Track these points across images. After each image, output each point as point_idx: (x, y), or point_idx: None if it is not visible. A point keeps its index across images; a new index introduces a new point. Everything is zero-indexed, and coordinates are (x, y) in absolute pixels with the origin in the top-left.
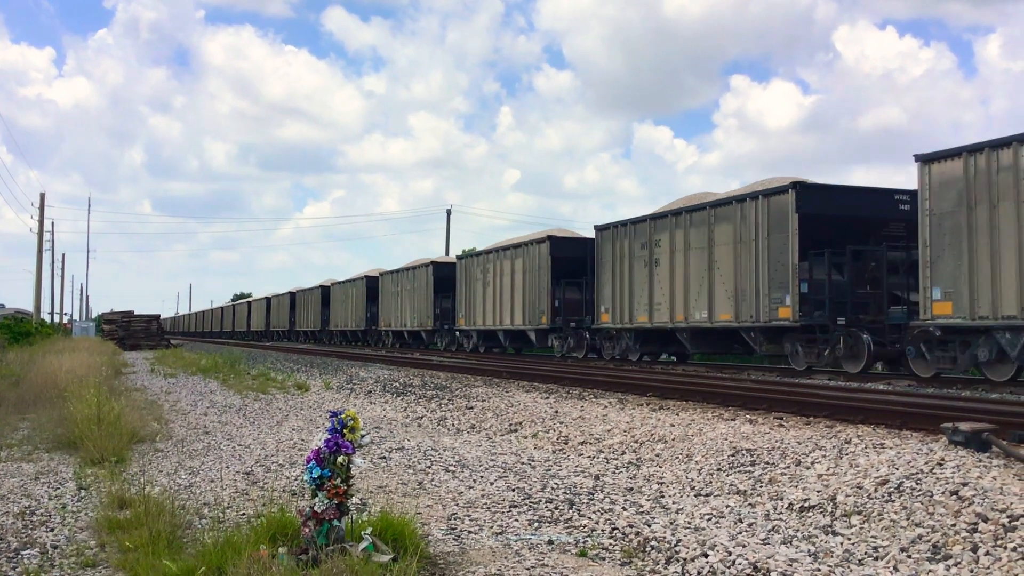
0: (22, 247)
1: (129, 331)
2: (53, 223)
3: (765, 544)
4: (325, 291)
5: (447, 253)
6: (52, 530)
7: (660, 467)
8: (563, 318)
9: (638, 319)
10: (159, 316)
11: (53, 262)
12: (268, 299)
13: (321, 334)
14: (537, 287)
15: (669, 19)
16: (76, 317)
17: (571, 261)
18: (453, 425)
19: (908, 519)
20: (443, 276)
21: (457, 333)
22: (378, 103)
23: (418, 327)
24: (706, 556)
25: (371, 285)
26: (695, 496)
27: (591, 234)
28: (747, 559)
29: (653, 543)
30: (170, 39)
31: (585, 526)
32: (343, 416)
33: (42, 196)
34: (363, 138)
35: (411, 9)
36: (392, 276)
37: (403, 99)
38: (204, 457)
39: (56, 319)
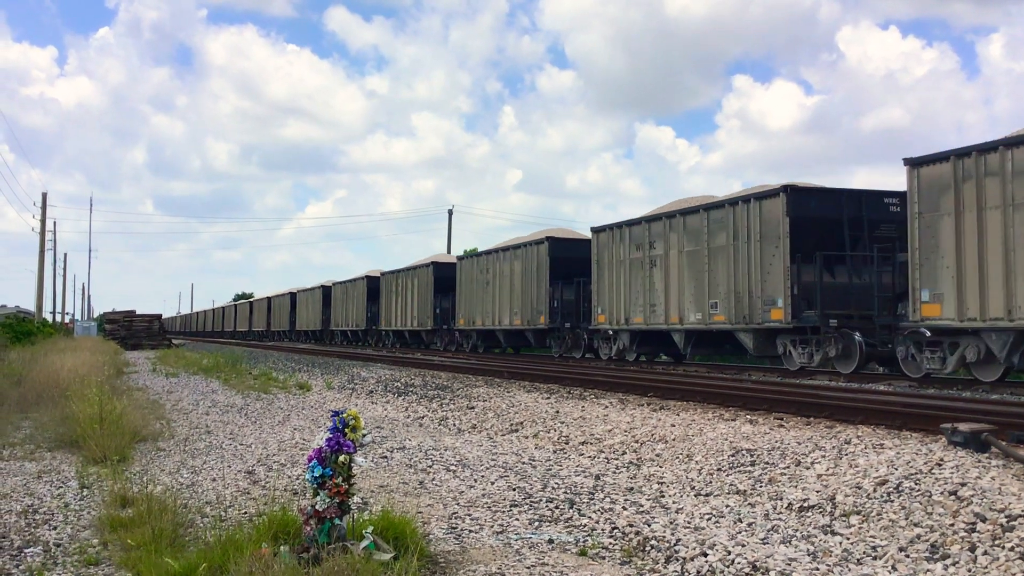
0: (24, 247)
1: (131, 331)
2: (55, 223)
3: (764, 544)
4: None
5: (448, 253)
6: (55, 528)
7: (660, 467)
8: (561, 319)
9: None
10: (161, 316)
11: (55, 261)
12: (269, 299)
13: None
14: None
15: (671, 19)
16: (78, 316)
17: (569, 262)
18: (454, 425)
19: (907, 519)
20: (443, 276)
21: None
22: (380, 103)
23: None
24: (705, 555)
25: (372, 285)
26: (695, 496)
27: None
28: (746, 558)
29: (653, 542)
30: (172, 38)
31: (585, 525)
32: (345, 415)
33: (44, 196)
34: (365, 138)
35: (413, 9)
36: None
37: (405, 99)
38: (206, 456)
39: (58, 319)
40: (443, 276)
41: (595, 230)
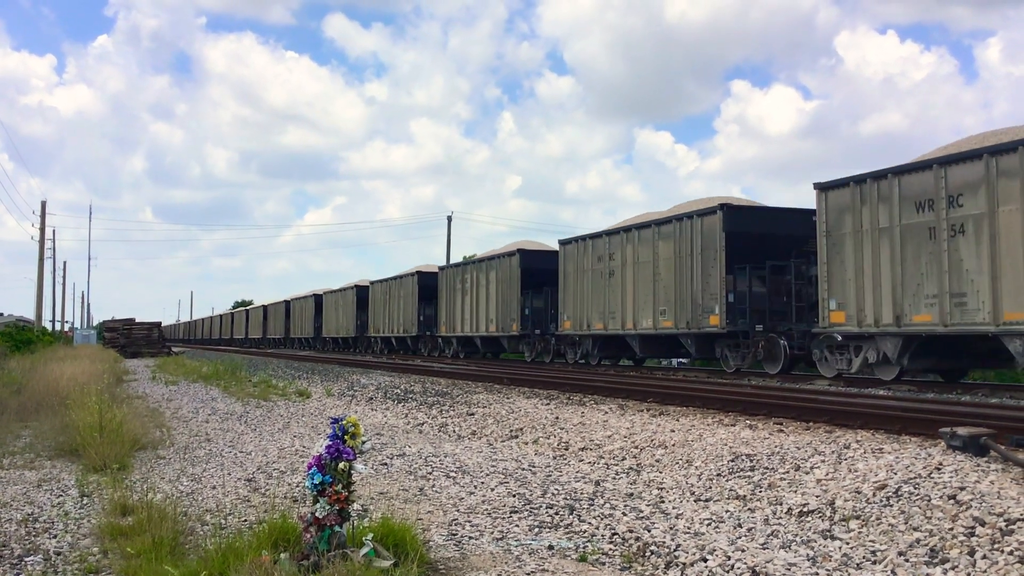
0: (23, 255)
1: (130, 339)
2: (54, 231)
3: (764, 549)
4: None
5: (447, 260)
6: (55, 537)
7: (660, 472)
8: (532, 326)
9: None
10: (160, 324)
11: (54, 270)
12: (265, 307)
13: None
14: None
15: (671, 25)
16: (77, 325)
17: (539, 272)
18: (454, 431)
19: (906, 523)
20: (427, 285)
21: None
22: (380, 109)
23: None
24: (705, 561)
25: (361, 294)
26: (695, 501)
27: None
28: (746, 563)
29: (653, 548)
30: (171, 46)
31: (585, 531)
32: (344, 422)
33: (43, 204)
34: (365, 145)
35: (412, 15)
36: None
37: (405, 105)
38: (206, 464)
39: (58, 327)
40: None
41: (562, 242)
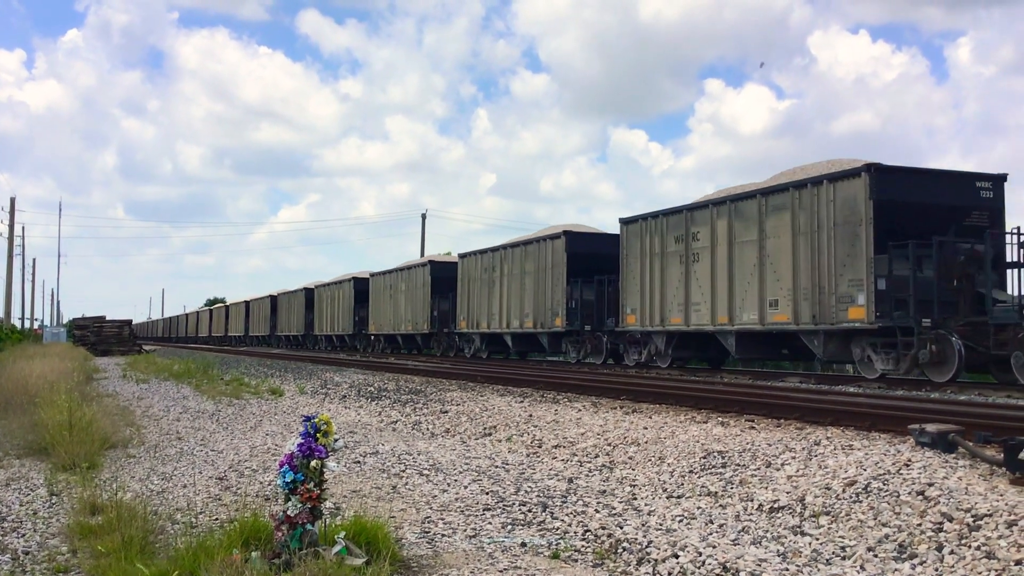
0: None
1: (101, 336)
2: (24, 228)
3: (735, 544)
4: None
5: (422, 256)
6: (23, 536)
7: (633, 469)
8: (580, 321)
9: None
10: (131, 321)
11: (24, 267)
12: (247, 303)
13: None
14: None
15: (645, 23)
16: (47, 323)
17: (588, 258)
18: (427, 429)
19: (875, 519)
20: (441, 276)
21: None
22: (354, 106)
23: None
24: (677, 557)
25: (360, 287)
26: (667, 498)
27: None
28: (717, 559)
29: (625, 544)
30: (142, 41)
31: (558, 528)
32: (316, 420)
33: (12, 200)
34: (339, 141)
35: (387, 12)
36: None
37: (379, 102)
38: (177, 462)
39: (27, 325)
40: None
41: (624, 221)
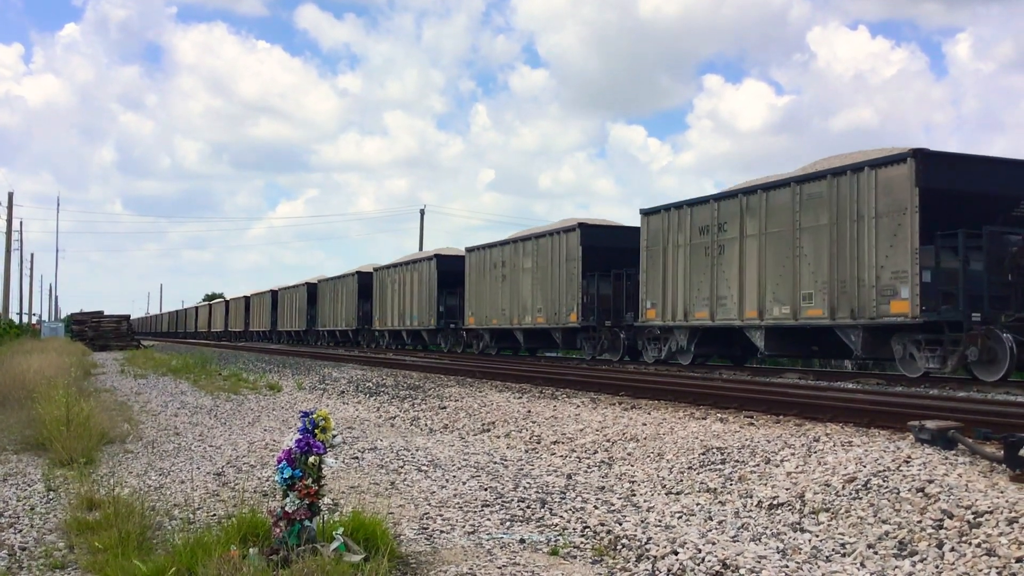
0: None
1: (99, 332)
2: (22, 222)
3: (734, 541)
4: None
5: (420, 251)
6: (20, 532)
7: (632, 466)
8: (596, 316)
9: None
10: (129, 316)
11: (22, 262)
12: (247, 298)
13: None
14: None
15: (644, 19)
16: (45, 318)
17: (604, 252)
18: (426, 425)
19: (875, 516)
20: (448, 271)
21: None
22: (353, 101)
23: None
24: (676, 554)
25: (364, 282)
26: (666, 494)
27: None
28: (716, 556)
29: (624, 541)
30: (140, 36)
31: (557, 525)
32: (314, 416)
33: (10, 195)
34: (337, 137)
35: (386, 7)
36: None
37: (378, 98)
38: (175, 458)
39: (25, 320)
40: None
41: (645, 212)
